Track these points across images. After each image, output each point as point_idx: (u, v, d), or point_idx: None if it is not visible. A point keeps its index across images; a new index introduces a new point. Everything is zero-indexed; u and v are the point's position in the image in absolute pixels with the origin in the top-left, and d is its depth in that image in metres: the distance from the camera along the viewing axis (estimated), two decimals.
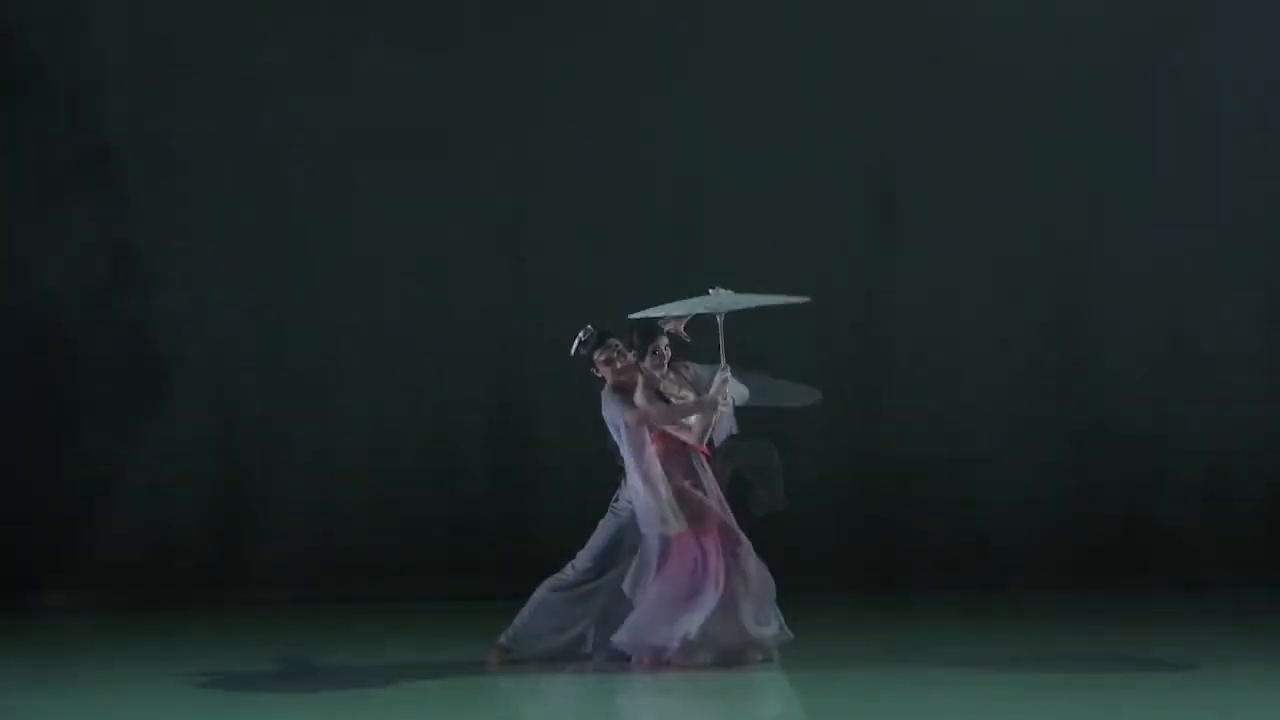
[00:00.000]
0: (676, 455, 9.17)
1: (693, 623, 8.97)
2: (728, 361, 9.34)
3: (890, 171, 13.48)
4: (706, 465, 9.30)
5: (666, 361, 9.36)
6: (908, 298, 13.48)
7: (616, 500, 9.47)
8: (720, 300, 9.38)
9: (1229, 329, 13.44)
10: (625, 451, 9.11)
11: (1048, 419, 13.37)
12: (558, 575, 9.44)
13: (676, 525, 8.97)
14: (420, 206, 13.28)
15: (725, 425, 9.61)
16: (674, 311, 9.51)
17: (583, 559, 9.41)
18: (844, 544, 13.20)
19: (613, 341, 9.21)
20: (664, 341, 9.33)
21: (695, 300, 9.39)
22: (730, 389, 9.38)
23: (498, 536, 13.01)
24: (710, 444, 9.49)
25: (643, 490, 9.03)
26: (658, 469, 9.01)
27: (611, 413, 9.12)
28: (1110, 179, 13.44)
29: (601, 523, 9.46)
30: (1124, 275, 13.42)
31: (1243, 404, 13.44)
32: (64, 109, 13.11)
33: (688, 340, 9.44)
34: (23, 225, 13.01)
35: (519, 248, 13.17)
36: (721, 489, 9.38)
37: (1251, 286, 13.47)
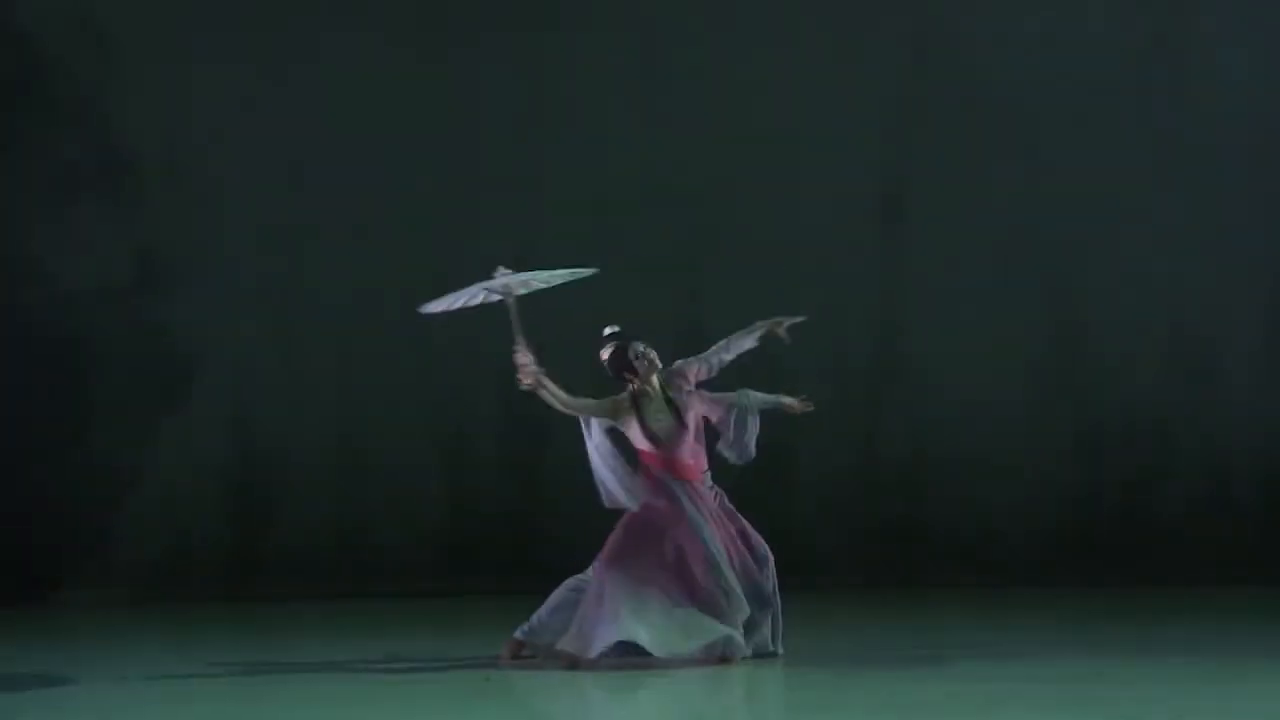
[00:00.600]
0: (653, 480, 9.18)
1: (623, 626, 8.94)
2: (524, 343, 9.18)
3: (896, 176, 13.59)
4: (697, 488, 9.23)
5: (650, 362, 9.30)
6: (913, 301, 13.61)
7: None
8: (507, 282, 9.25)
9: (1230, 330, 13.56)
10: None
11: (1050, 419, 13.48)
12: (579, 575, 9.45)
13: (630, 502, 9.07)
14: (430, 210, 13.37)
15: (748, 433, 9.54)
16: (459, 301, 9.43)
17: None
18: (845, 542, 13.29)
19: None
20: (639, 348, 9.28)
21: (479, 286, 9.31)
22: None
23: (507, 534, 13.11)
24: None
25: (597, 468, 9.20)
26: (607, 445, 9.10)
27: None
28: (1112, 184, 13.51)
29: None
30: (1126, 278, 13.50)
31: (1243, 404, 13.57)
32: (81, 113, 13.18)
33: (787, 341, 9.42)
34: (42, 228, 13.09)
35: (531, 249, 12.99)
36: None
37: (1253, 287, 13.58)
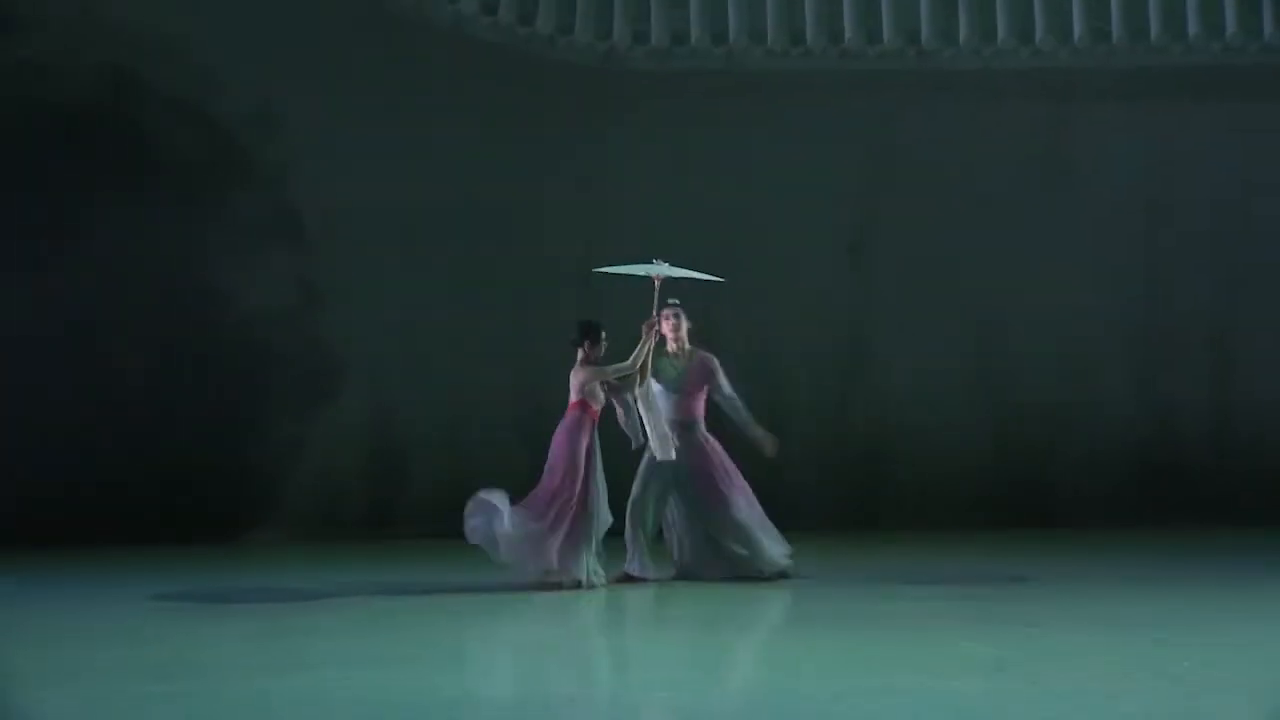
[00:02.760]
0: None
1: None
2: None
3: (860, 229, 13.91)
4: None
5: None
6: (873, 318, 13.90)
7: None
8: (659, 269, 9.52)
9: (1106, 341, 13.87)
10: None
11: (973, 406, 13.80)
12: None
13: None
14: (514, 252, 13.49)
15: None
16: (624, 269, 9.70)
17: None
18: (823, 494, 13.55)
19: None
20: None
21: (642, 265, 9.59)
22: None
23: None
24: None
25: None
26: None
27: None
28: (1021, 237, 13.87)
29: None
30: (1030, 310, 13.88)
31: (1114, 396, 13.85)
32: (259, 181, 13.39)
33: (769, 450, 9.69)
34: (234, 267, 13.31)
35: (588, 281, 12.97)
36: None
37: (1124, 311, 13.89)
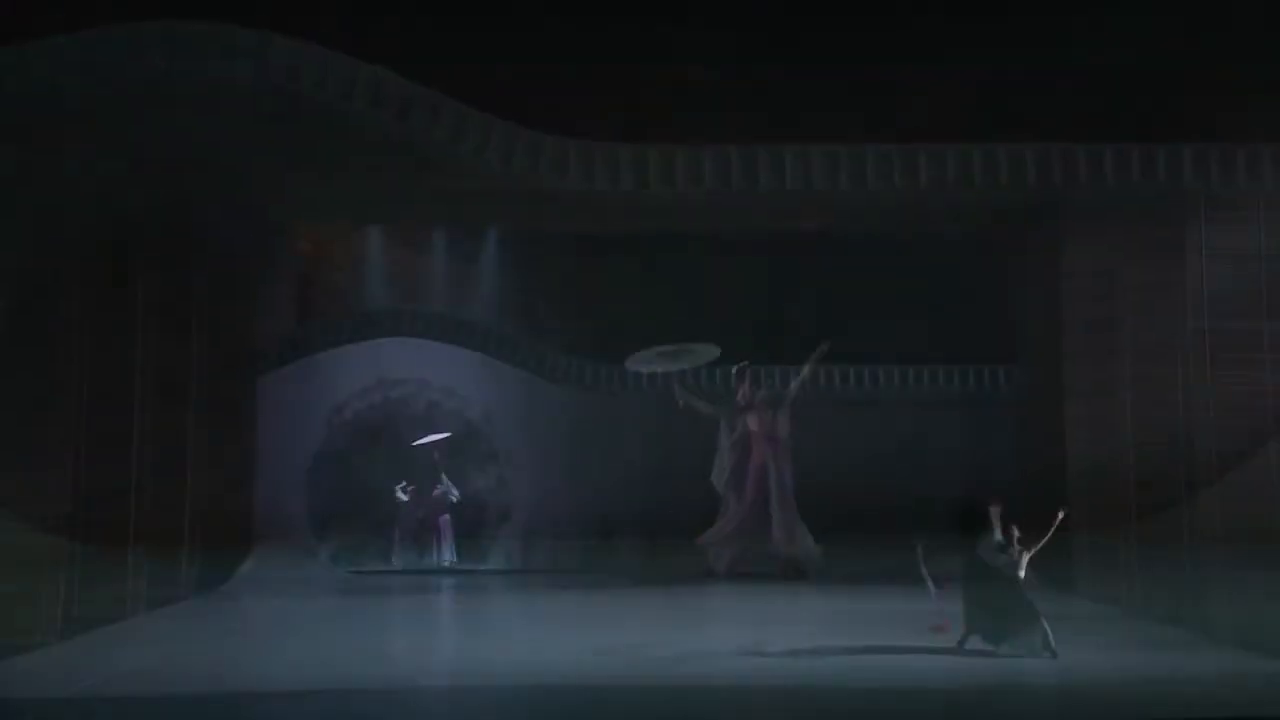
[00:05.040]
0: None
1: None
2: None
3: (778, 315, 14.70)
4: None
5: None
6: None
7: None
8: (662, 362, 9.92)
9: (944, 416, 14.85)
10: None
11: (850, 460, 14.67)
12: None
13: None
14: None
15: None
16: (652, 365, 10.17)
17: None
18: None
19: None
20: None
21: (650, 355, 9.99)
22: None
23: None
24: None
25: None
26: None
27: None
28: (881, 341, 14.76)
29: None
30: (889, 391, 15.02)
31: (946, 454, 14.80)
32: (338, 289, 14.63)
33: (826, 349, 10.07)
34: (321, 349, 14.63)
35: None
36: None
37: (955, 399, 14.88)
